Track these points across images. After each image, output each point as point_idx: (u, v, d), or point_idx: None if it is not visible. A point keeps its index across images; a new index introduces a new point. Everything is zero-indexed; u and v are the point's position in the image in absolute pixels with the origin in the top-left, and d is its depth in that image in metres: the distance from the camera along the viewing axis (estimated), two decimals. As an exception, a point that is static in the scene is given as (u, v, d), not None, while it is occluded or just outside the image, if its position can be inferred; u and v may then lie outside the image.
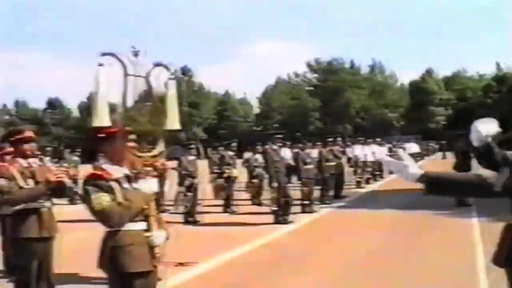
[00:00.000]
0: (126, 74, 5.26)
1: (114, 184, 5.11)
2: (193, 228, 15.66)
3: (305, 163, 18.57)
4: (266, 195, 20.04)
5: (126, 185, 5.19)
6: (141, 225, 5.23)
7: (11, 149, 10.74)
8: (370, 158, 28.42)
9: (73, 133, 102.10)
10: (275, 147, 16.37)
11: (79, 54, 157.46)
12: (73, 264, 9.53)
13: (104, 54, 5.12)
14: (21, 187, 6.92)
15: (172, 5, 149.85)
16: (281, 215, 15.66)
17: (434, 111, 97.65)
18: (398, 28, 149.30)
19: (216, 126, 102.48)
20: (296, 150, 20.99)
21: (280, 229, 14.86)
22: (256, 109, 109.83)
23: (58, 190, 7.07)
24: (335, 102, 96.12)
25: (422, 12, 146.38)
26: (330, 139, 22.74)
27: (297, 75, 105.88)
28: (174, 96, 5.69)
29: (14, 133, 7.33)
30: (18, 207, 6.97)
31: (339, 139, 23.96)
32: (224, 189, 19.08)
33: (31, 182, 7.02)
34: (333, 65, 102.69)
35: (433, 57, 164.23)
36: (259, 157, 20.18)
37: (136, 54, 5.32)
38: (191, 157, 17.10)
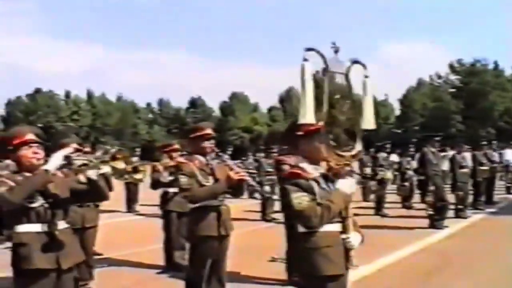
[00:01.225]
0: (326, 71, 5.18)
1: (313, 184, 5.02)
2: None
3: (461, 167, 18.11)
4: (416, 198, 19.80)
5: (324, 185, 5.09)
6: (338, 226, 5.11)
7: (177, 146, 11.04)
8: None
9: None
10: (433, 149, 15.96)
11: (222, 55, 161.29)
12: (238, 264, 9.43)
13: (308, 50, 5.03)
14: (201, 184, 6.97)
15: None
16: (436, 219, 15.31)
17: None
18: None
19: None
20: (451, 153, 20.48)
21: (436, 233, 14.50)
22: (397, 111, 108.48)
23: (238, 188, 7.16)
24: (478, 105, 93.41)
25: None
26: (484, 143, 22.04)
27: (439, 76, 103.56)
28: (371, 95, 5.55)
29: (194, 130, 7.35)
30: (197, 205, 7.00)
31: (494, 142, 23.26)
32: (376, 191, 18.88)
33: (211, 179, 7.07)
34: (476, 67, 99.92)
35: None
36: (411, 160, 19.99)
37: (336, 51, 5.24)
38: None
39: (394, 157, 21.75)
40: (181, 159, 7.36)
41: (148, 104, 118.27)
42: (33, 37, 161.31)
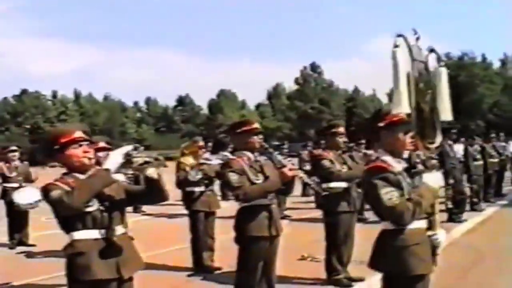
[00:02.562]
0: (413, 59, 4.85)
1: (401, 178, 4.71)
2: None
3: (475, 159, 17.85)
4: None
5: (407, 179, 4.78)
6: (424, 223, 4.82)
7: (201, 143, 10.65)
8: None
9: (202, 130, 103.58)
10: (450, 142, 15.61)
11: (209, 52, 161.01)
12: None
13: (398, 36, 4.75)
14: (252, 182, 6.61)
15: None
16: (455, 213, 15.00)
17: None
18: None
19: (345, 123, 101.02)
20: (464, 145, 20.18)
21: (456, 227, 14.23)
22: (386, 106, 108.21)
23: (289, 185, 6.81)
24: (466, 98, 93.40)
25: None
26: (492, 135, 21.75)
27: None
28: (446, 84, 5.27)
29: (241, 125, 6.97)
30: (247, 204, 6.65)
31: (501, 134, 22.97)
32: None
33: (260, 177, 6.70)
34: (464, 60, 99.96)
35: None
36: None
37: (418, 38, 4.94)
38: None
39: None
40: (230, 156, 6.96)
41: (136, 103, 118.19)
42: (19, 37, 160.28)
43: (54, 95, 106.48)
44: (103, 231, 4.64)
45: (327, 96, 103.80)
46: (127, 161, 4.50)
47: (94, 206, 4.57)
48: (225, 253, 10.21)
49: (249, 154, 6.78)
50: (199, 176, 9.51)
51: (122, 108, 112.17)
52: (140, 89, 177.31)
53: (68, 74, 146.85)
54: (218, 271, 9.85)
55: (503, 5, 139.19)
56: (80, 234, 4.60)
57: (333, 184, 8.26)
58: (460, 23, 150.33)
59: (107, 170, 4.46)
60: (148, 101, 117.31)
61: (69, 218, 4.55)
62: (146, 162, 4.61)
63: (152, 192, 4.84)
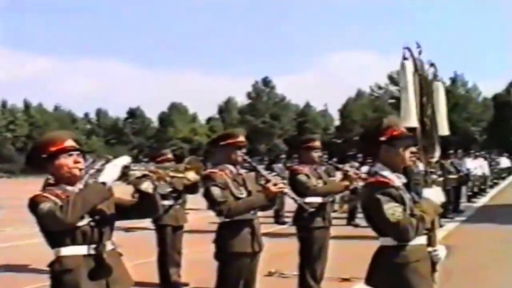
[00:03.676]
0: (416, 72, 4.75)
1: (403, 194, 4.60)
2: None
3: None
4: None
5: (407, 194, 4.67)
6: (424, 239, 4.74)
7: (170, 155, 10.40)
8: (478, 172, 27.67)
9: (152, 142, 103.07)
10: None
11: (162, 65, 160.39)
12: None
13: (405, 48, 4.70)
14: (235, 196, 6.38)
15: (248, 15, 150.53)
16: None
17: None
18: (479, 39, 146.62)
19: (296, 137, 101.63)
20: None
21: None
22: (337, 122, 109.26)
23: (273, 200, 6.60)
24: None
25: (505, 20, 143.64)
26: (451, 151, 21.98)
27: (379, 87, 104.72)
28: (444, 99, 5.30)
29: (226, 137, 6.70)
30: (228, 219, 6.42)
31: (459, 151, 23.29)
32: (350, 201, 18.56)
33: (243, 191, 6.49)
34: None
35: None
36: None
37: (420, 52, 4.89)
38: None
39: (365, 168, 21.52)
40: (213, 169, 6.70)
41: (86, 114, 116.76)
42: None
43: (4, 104, 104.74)
44: (92, 246, 4.38)
45: (278, 111, 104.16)
46: (123, 174, 4.26)
47: (84, 221, 4.29)
48: (191, 268, 10.02)
49: (231, 167, 6.57)
50: (168, 189, 9.29)
51: (72, 119, 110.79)
52: (91, 101, 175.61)
53: (18, 84, 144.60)
54: (185, 287, 9.61)
55: (455, 24, 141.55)
56: (69, 250, 4.33)
57: (308, 199, 8.08)
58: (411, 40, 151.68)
59: (103, 183, 4.21)
60: (98, 112, 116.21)
61: (57, 232, 4.27)
62: (144, 176, 4.40)
63: (144, 206, 4.61)
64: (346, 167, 10.54)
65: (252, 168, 6.86)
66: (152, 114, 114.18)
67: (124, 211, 4.70)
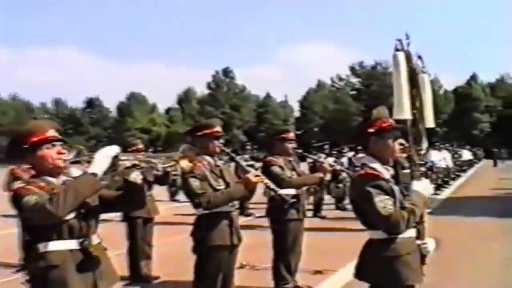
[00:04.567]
0: (408, 63, 4.71)
1: (393, 186, 4.60)
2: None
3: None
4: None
5: (395, 187, 4.65)
6: (414, 232, 4.74)
7: (141, 146, 10.21)
8: (442, 164, 28.02)
9: (110, 133, 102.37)
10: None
11: (121, 54, 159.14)
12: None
13: (398, 40, 4.71)
14: (214, 188, 6.26)
15: (210, 6, 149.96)
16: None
17: (478, 118, 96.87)
18: (441, 33, 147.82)
19: (255, 129, 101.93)
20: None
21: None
22: (297, 113, 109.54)
23: (252, 192, 6.49)
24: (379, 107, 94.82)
25: (467, 15, 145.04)
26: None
27: (340, 79, 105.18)
28: (430, 91, 5.33)
29: (203, 127, 6.58)
30: (207, 211, 6.29)
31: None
32: (315, 193, 18.48)
33: (221, 183, 6.39)
34: (377, 69, 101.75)
35: (477, 62, 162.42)
36: (344, 160, 19.93)
37: (409, 43, 4.89)
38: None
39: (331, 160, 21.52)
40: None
41: (43, 104, 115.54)
42: None
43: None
44: (79, 241, 4.24)
45: (238, 102, 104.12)
46: (112, 164, 4.12)
47: (71, 214, 4.12)
48: (161, 261, 9.87)
49: (209, 158, 6.46)
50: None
51: (29, 109, 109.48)
52: (49, 90, 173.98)
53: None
54: (156, 281, 9.49)
55: (417, 17, 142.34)
56: (55, 245, 4.16)
57: (283, 191, 7.97)
58: (374, 33, 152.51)
59: (94, 174, 4.06)
60: (56, 102, 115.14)
61: (42, 226, 4.11)
62: (134, 166, 4.25)
63: (131, 198, 4.48)
64: (322, 158, 10.49)
65: (231, 158, 6.77)
66: (111, 104, 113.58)
67: (109, 203, 4.54)
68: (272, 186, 6.79)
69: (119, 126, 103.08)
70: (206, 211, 6.28)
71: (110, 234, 11.66)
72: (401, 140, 4.83)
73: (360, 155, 14.92)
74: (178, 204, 20.66)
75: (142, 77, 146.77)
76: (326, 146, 21.03)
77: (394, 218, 4.37)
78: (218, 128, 6.56)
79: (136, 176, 4.29)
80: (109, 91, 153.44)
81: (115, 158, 4.14)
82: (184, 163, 4.38)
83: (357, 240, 5.11)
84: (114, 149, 4.18)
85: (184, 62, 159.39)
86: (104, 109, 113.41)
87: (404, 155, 5.19)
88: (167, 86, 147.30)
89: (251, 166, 6.95)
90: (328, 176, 11.03)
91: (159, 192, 8.04)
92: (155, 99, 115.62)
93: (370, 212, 4.49)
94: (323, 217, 17.96)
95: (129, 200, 4.52)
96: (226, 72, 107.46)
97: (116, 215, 9.82)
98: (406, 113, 4.73)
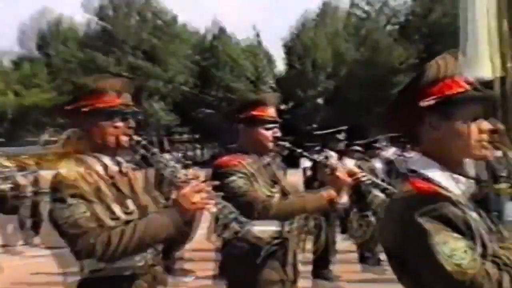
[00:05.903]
0: None
1: (468, 215, 2.89)
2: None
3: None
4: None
5: (475, 215, 3.12)
6: None
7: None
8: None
9: None
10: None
11: None
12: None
13: None
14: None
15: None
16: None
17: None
18: None
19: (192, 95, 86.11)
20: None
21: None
22: (281, 65, 64.31)
23: None
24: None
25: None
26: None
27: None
28: None
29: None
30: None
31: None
32: (318, 232, 17.11)
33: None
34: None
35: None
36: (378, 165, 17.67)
37: None
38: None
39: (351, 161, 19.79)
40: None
41: None
42: None
43: None
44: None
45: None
46: None
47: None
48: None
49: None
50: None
51: None
52: None
53: None
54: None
55: None
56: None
57: (254, 229, 5.73)
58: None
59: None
60: None
61: None
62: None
63: None
64: (332, 159, 7.25)
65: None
66: None
67: None
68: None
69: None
70: None
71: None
72: (486, 123, 2.44)
73: (411, 153, 9.82)
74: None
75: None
76: (342, 135, 11.20)
77: (472, 280, 2.16)
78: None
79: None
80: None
81: None
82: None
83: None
84: None
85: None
86: None
87: (498, 152, 2.82)
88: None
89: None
90: (345, 197, 7.65)
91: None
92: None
93: (425, 266, 2.26)
94: (330, 279, 10.35)
95: None
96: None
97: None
98: (490, 69, 2.54)
